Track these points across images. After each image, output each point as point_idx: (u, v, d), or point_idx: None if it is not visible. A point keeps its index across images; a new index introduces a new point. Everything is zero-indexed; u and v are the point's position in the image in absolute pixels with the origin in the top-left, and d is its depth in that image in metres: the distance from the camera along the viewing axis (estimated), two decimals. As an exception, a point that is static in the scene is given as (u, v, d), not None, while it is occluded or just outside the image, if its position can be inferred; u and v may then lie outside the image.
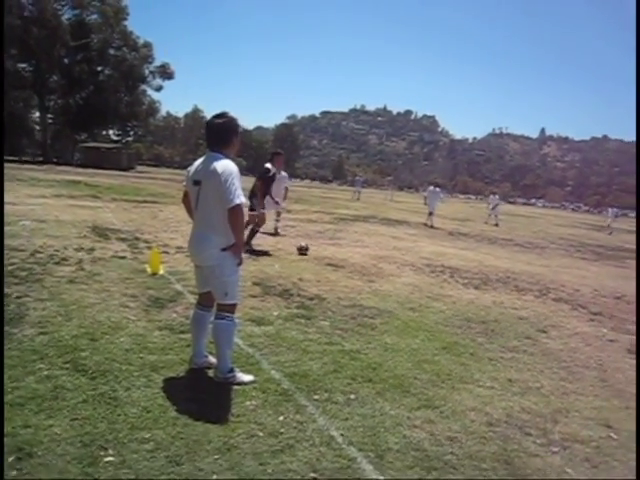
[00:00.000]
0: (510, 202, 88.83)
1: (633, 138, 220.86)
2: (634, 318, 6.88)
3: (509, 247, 14.61)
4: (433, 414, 3.37)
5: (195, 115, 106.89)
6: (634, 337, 5.87)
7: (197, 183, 3.38)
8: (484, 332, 5.40)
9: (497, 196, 26.59)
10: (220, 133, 3.42)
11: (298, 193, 36.29)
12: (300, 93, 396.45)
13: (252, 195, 8.81)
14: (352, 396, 3.48)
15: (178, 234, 9.93)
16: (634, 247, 18.93)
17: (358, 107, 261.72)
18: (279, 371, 3.76)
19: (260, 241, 9.68)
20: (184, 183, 3.62)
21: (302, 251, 9.13)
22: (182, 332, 4.31)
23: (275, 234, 11.36)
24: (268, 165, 9.22)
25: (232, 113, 3.50)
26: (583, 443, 3.23)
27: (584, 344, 5.47)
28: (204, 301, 3.64)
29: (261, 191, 8.92)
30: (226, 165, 3.29)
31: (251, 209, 8.49)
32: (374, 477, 2.61)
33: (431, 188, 20.44)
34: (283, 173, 11.03)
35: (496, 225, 23.27)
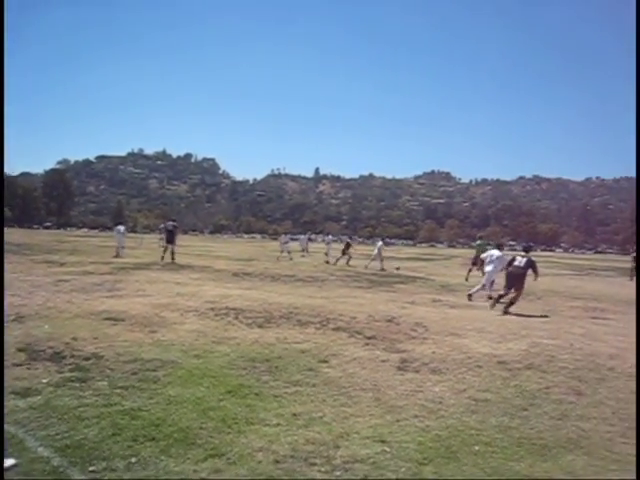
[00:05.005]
0: (293, 239, 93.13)
1: (396, 175, 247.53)
2: (403, 338, 7.63)
3: (291, 283, 15.26)
4: (220, 462, 3.34)
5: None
6: (403, 355, 6.52)
7: None
8: (268, 370, 5.52)
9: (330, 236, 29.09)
10: None
11: (73, 244, 33.80)
12: (72, 136, 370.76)
13: None
14: (133, 459, 3.29)
15: None
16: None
17: (136, 151, 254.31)
18: (48, 447, 3.40)
19: (26, 301, 8.78)
20: None
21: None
22: None
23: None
24: None
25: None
26: (362, 462, 3.46)
27: (360, 368, 5.87)
28: None
29: None
30: None
31: None
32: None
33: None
34: None
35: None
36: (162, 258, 20.72)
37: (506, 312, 10.75)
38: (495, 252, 13.18)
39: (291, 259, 28.17)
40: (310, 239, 37.92)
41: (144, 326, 7.50)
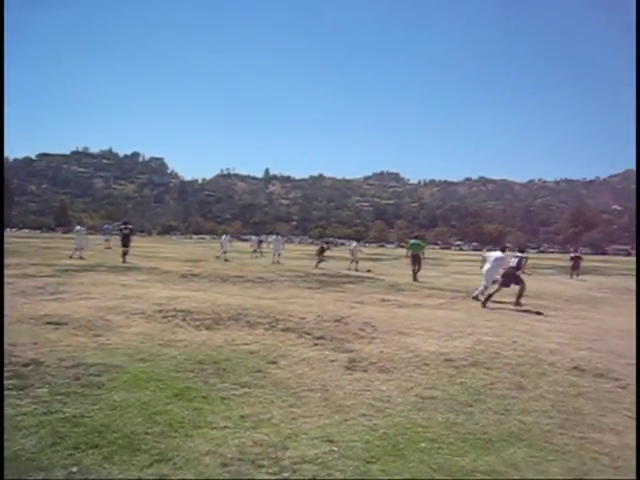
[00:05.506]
0: (242, 239, 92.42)
1: (346, 176, 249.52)
2: (351, 337, 7.68)
3: (240, 284, 15.14)
4: (166, 467, 3.27)
5: None
6: (351, 354, 6.56)
7: None
8: (216, 372, 5.45)
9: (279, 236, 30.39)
10: None
11: (13, 245, 32.55)
12: (11, 133, 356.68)
13: None
14: (74, 469, 3.17)
15: None
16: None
17: (80, 149, 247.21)
18: (-19, 459, 3.25)
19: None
20: None
21: None
22: None
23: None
24: None
25: None
26: (310, 462, 3.45)
27: (309, 368, 5.87)
28: None
29: None
30: None
31: None
32: None
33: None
34: None
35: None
36: (123, 261, 21.65)
37: (517, 304, 12.36)
38: (496, 253, 13.76)
39: (218, 258, 28.44)
40: (261, 240, 38.21)
41: (88, 330, 7.28)
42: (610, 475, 3.49)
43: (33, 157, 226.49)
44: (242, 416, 4.23)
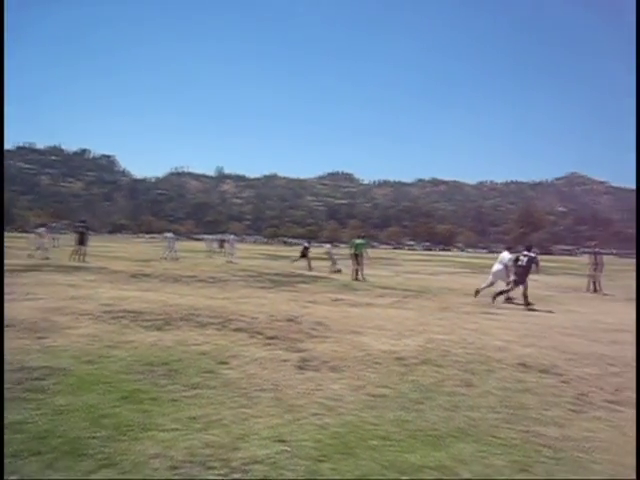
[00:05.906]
0: (195, 239, 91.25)
1: (300, 175, 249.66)
2: (303, 337, 7.68)
3: (193, 284, 14.95)
4: (113, 472, 3.18)
5: None
6: (303, 354, 6.56)
7: None
8: (166, 374, 5.35)
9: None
10: None
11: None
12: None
13: None
14: (13, 477, 3.06)
15: None
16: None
17: (26, 145, 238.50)
18: None
19: None
20: None
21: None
22: None
23: None
24: None
25: None
26: (261, 462, 3.42)
27: (261, 368, 5.83)
28: None
29: None
30: None
31: None
32: None
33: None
34: None
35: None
36: (74, 259, 22.01)
37: (527, 304, 12.77)
38: (506, 255, 14.19)
39: (165, 258, 28.05)
40: (223, 240, 38.20)
41: (33, 332, 7.03)
42: (552, 465, 3.61)
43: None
44: (192, 417, 4.16)
